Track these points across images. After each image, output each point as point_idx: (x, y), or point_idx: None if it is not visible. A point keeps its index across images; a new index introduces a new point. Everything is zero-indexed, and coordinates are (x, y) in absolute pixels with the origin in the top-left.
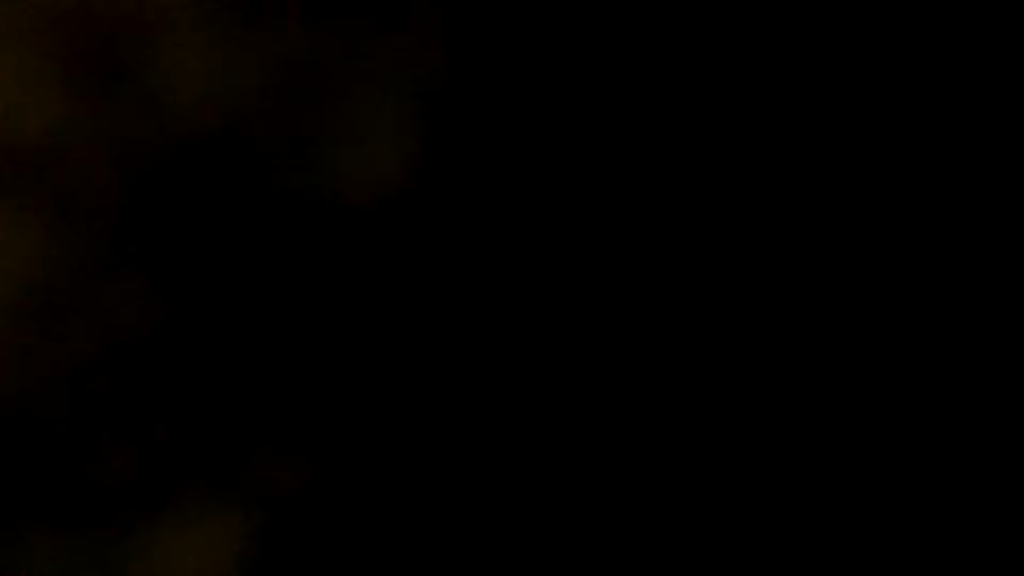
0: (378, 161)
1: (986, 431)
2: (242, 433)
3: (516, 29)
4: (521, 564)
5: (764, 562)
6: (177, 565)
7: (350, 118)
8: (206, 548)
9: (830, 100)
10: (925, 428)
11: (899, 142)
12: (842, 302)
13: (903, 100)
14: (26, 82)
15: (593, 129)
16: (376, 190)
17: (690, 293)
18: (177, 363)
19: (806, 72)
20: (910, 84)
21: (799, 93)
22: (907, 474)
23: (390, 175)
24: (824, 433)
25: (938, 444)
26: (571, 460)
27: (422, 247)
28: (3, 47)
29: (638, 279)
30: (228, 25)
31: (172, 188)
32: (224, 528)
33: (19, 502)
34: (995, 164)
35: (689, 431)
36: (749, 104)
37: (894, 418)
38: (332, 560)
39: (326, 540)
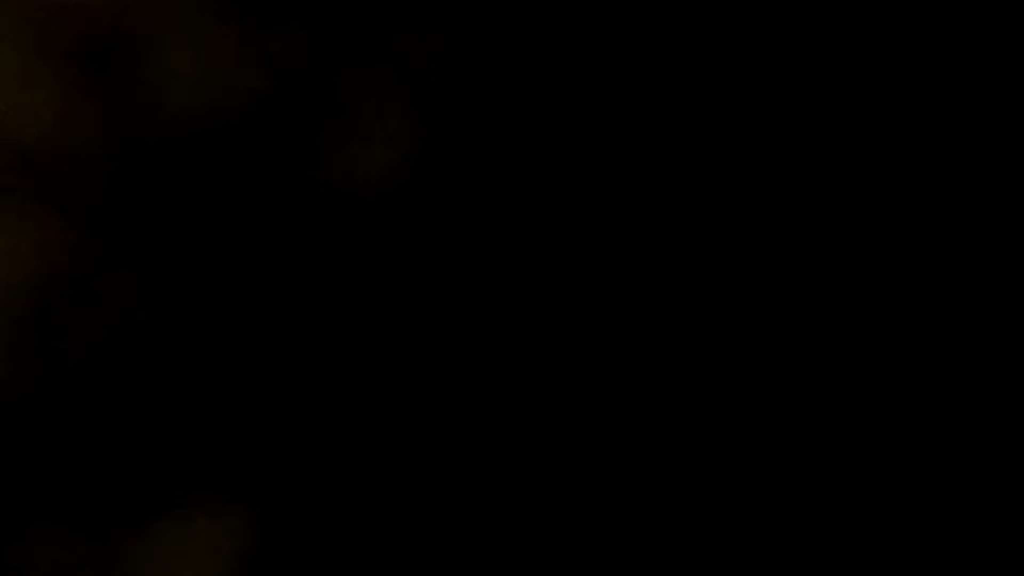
0: (378, 160)
1: (986, 431)
2: (242, 433)
3: (515, 28)
4: (520, 564)
5: (764, 562)
6: (177, 565)
7: (350, 117)
8: (206, 548)
9: (830, 100)
10: (925, 428)
11: (899, 142)
12: (842, 302)
13: (903, 100)
14: (26, 82)
15: (591, 126)
16: (376, 190)
17: (687, 281)
18: (178, 362)
19: (806, 72)
20: (910, 84)
21: (799, 93)
22: (907, 474)
23: (389, 175)
24: (824, 433)
25: (938, 444)
26: (569, 455)
27: (422, 247)
28: (3, 47)
29: (636, 276)
30: (228, 25)
31: (172, 187)
32: (224, 528)
33: (20, 502)
34: (995, 164)
35: (688, 429)
36: (749, 104)
37: (894, 418)
38: (331, 560)
39: (325, 540)
